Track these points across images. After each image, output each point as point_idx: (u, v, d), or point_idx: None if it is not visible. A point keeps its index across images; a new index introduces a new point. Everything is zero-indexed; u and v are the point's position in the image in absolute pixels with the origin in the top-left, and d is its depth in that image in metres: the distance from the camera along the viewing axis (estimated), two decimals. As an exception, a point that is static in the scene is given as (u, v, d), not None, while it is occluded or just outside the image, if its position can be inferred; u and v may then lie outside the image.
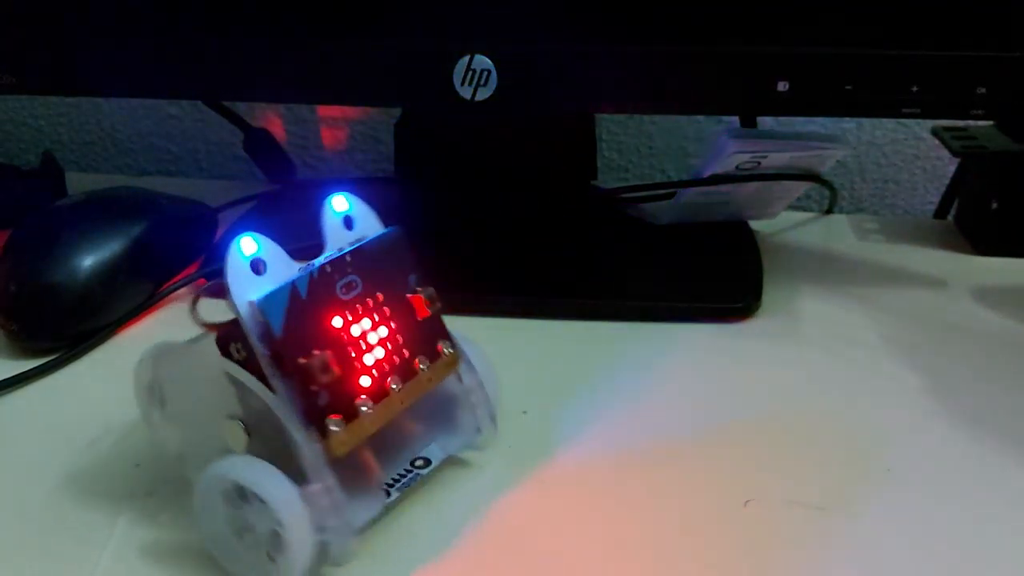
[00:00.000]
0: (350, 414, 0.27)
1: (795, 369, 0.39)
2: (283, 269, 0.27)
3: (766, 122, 0.56)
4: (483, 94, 0.43)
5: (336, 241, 0.29)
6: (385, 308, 0.29)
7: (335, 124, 0.66)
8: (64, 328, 0.40)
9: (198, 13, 0.44)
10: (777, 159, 0.46)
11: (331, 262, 0.28)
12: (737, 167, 0.46)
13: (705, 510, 0.30)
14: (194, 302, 0.27)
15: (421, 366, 0.29)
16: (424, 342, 0.29)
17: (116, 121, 0.68)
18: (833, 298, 0.45)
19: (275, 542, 0.26)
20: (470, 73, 0.42)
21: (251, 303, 0.26)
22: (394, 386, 0.28)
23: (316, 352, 0.26)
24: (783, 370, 0.39)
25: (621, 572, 0.28)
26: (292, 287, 0.26)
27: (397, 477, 0.30)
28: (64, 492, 0.31)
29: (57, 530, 0.30)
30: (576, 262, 0.47)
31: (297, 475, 0.26)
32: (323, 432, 0.26)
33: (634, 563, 0.28)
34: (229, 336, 0.27)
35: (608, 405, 0.36)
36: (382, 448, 0.29)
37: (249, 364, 0.26)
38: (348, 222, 0.30)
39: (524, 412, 0.36)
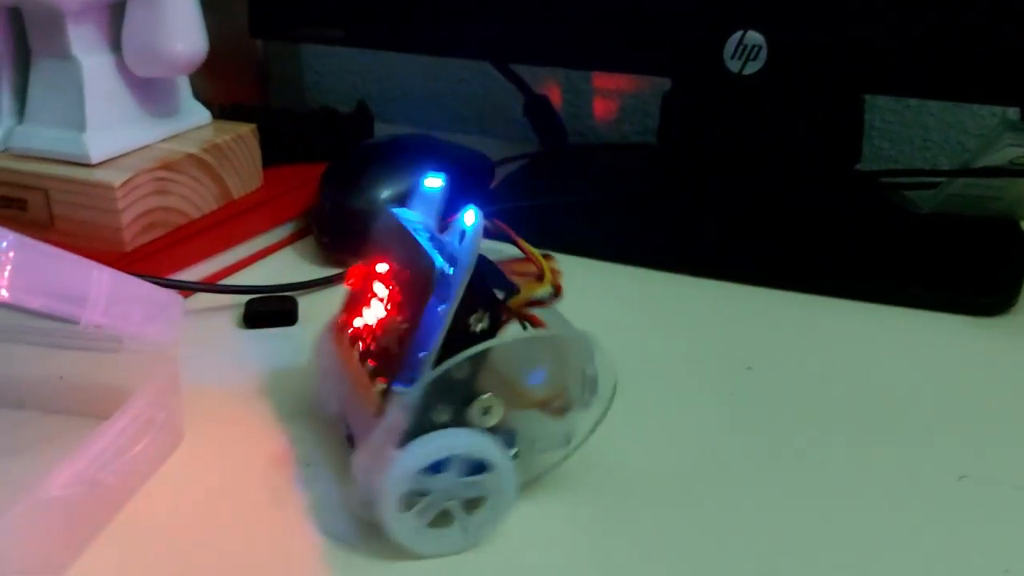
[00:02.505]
0: (344, 324, 0.31)
1: (1042, 368, 0.38)
2: (430, 214, 0.32)
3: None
4: (751, 69, 0.45)
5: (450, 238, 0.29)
6: (392, 301, 0.29)
7: (608, 95, 0.70)
8: (364, 244, 0.48)
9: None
10: (1059, 156, 0.44)
11: (401, 228, 0.30)
12: (1011, 161, 0.45)
13: (919, 481, 0.31)
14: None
15: (366, 369, 0.29)
16: (379, 361, 0.29)
17: (417, 81, 0.77)
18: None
19: None
20: (741, 47, 0.44)
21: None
22: (355, 351, 0.30)
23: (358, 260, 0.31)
24: (1022, 366, 0.38)
25: (831, 536, 0.30)
26: (390, 212, 0.31)
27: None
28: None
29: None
30: (828, 239, 0.48)
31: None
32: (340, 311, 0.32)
33: (844, 525, 0.30)
34: None
35: (832, 374, 0.38)
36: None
37: None
38: (463, 236, 0.28)
39: (749, 368, 0.38)
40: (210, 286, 0.44)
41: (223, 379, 0.37)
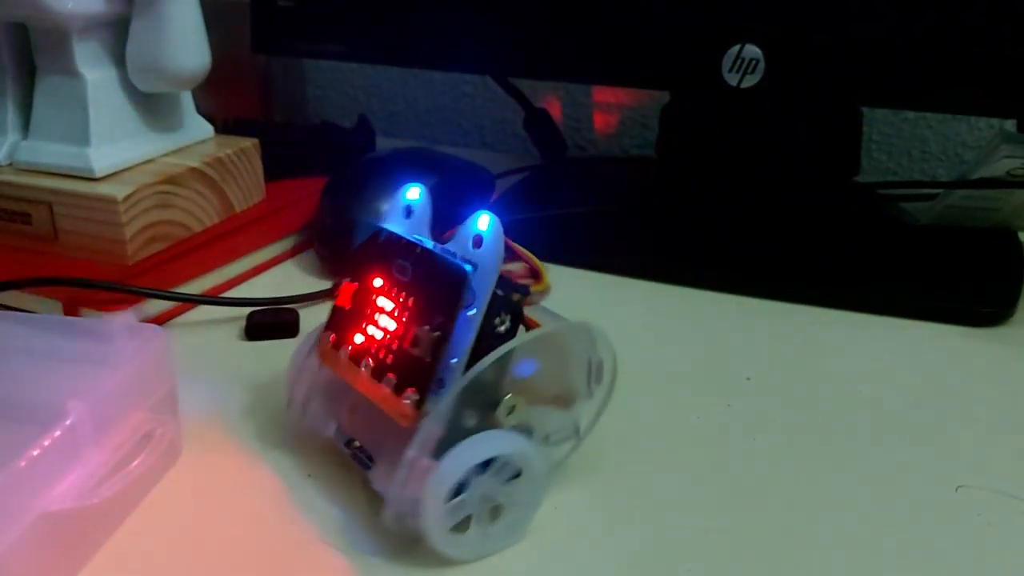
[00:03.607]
0: (338, 343, 0.31)
1: (1039, 378, 0.38)
2: (422, 228, 0.31)
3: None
4: (749, 82, 0.45)
5: (460, 245, 0.29)
6: (406, 314, 0.29)
7: (608, 109, 0.71)
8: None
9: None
10: (1055, 168, 0.44)
11: (407, 242, 0.30)
12: (1008, 173, 0.45)
13: (917, 490, 0.31)
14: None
15: (387, 383, 0.29)
16: (404, 371, 0.28)
17: (419, 96, 0.77)
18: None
19: None
20: (739, 61, 0.45)
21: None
22: (363, 367, 0.29)
23: (350, 281, 0.31)
24: (1020, 376, 0.38)
25: (829, 545, 0.30)
26: (381, 230, 0.31)
27: (351, 445, 0.31)
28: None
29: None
30: (826, 251, 0.48)
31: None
32: (322, 332, 0.32)
33: (842, 534, 0.30)
34: None
35: (830, 384, 0.38)
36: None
37: None
38: (478, 241, 0.29)
39: (747, 378, 0.38)
40: (212, 299, 0.44)
41: (224, 391, 0.38)
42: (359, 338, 0.30)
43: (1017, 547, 0.29)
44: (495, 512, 0.28)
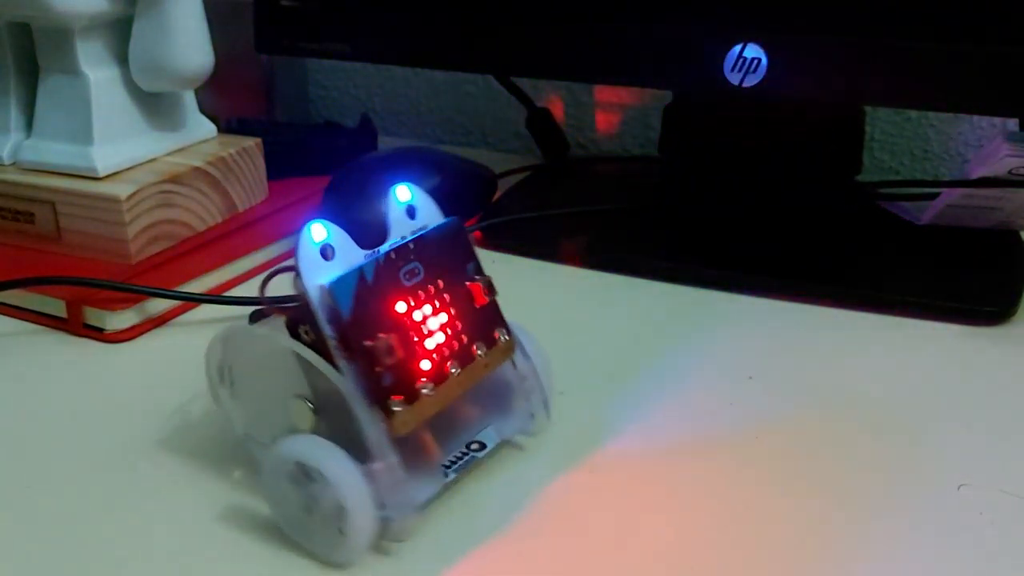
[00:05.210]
0: (412, 396, 0.27)
1: (1042, 377, 0.38)
2: (350, 255, 0.28)
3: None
4: (751, 81, 0.45)
5: (399, 229, 0.30)
6: (445, 295, 0.29)
7: (610, 108, 0.71)
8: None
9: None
10: (1057, 167, 0.44)
11: (395, 249, 0.28)
12: (1010, 172, 0.45)
13: (919, 489, 0.31)
14: (264, 282, 0.30)
15: (479, 352, 0.29)
16: (482, 329, 0.30)
17: (421, 95, 0.77)
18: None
19: (342, 517, 0.26)
20: (741, 60, 0.45)
21: (321, 287, 0.27)
22: (453, 370, 0.29)
23: (381, 335, 0.27)
24: (1022, 374, 0.38)
25: (830, 544, 0.30)
26: (360, 272, 0.27)
27: (455, 459, 0.30)
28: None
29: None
30: (829, 249, 0.48)
31: (361, 453, 0.27)
32: (387, 412, 0.27)
33: (843, 533, 0.30)
34: (298, 318, 0.28)
35: (832, 383, 0.38)
36: (441, 430, 0.30)
37: (317, 345, 0.27)
38: (411, 211, 0.31)
39: (750, 377, 0.38)
40: (215, 297, 0.44)
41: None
42: (426, 364, 0.28)
43: (1020, 546, 0.29)
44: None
